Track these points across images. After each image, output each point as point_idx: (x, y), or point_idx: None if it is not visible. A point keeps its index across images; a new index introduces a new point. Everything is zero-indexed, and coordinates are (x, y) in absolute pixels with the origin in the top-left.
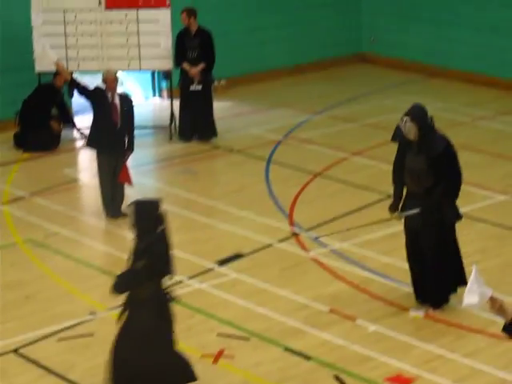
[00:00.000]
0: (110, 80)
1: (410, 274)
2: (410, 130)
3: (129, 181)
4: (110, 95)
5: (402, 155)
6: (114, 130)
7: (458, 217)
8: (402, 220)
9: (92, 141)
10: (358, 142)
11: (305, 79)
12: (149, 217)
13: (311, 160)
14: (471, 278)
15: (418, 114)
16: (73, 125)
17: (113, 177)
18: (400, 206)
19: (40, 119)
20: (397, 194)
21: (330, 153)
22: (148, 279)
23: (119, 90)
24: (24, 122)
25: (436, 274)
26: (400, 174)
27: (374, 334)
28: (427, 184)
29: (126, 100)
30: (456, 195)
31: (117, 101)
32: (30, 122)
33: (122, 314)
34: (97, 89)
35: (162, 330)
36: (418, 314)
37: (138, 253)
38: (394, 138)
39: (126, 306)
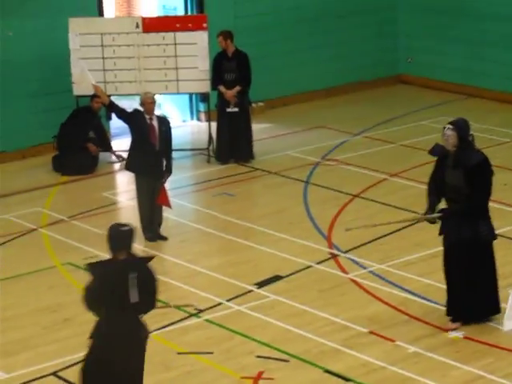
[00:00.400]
0: (148, 103)
1: (447, 290)
2: (451, 139)
3: (167, 203)
4: (148, 118)
5: (439, 170)
6: (153, 153)
7: (493, 236)
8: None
9: (131, 164)
10: (396, 163)
11: (342, 101)
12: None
13: (349, 181)
14: (510, 303)
15: (461, 124)
16: (109, 148)
17: (151, 199)
18: (441, 228)
19: (78, 142)
20: (430, 204)
21: (367, 174)
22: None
23: (157, 112)
24: (62, 145)
25: (465, 289)
26: (434, 187)
27: (414, 354)
28: (465, 199)
29: (163, 122)
30: (478, 211)
31: (155, 123)
32: (68, 145)
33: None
34: (135, 111)
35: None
36: (457, 334)
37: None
38: (431, 152)
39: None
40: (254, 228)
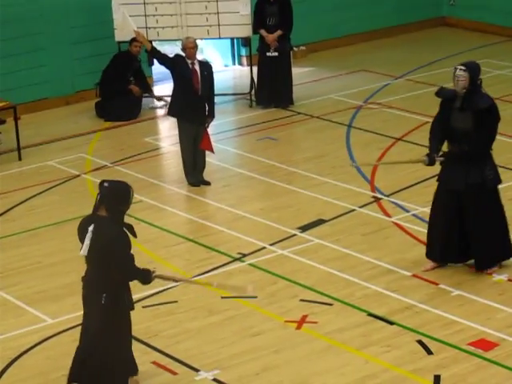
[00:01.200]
0: (190, 47)
1: (432, 231)
2: (461, 80)
3: (210, 148)
4: (190, 62)
5: (444, 113)
6: (196, 97)
7: (499, 180)
8: (440, 182)
9: (174, 109)
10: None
11: (383, 44)
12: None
13: (392, 125)
14: None
15: (473, 66)
16: (150, 91)
17: (194, 144)
18: (440, 172)
19: (119, 86)
20: (433, 147)
21: (410, 117)
22: None
23: (199, 57)
24: (104, 91)
25: (481, 236)
26: (438, 129)
27: (457, 298)
28: (470, 143)
29: (206, 66)
30: (482, 156)
31: (197, 67)
32: (110, 91)
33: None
34: (177, 56)
35: None
36: (501, 277)
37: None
38: (438, 94)
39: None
40: (297, 172)
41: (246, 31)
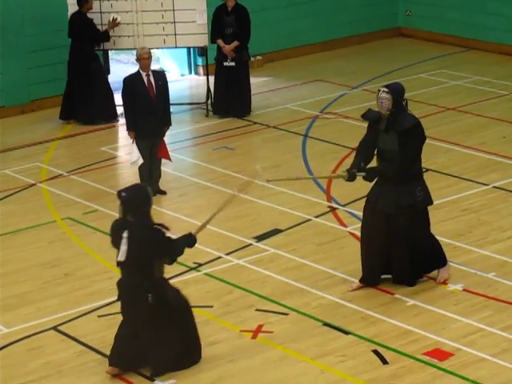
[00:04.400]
0: (144, 58)
1: (366, 254)
2: (385, 102)
3: (167, 156)
4: (144, 75)
5: (370, 135)
6: (152, 111)
7: (429, 201)
8: (368, 201)
9: (131, 125)
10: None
11: (340, 54)
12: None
13: (348, 135)
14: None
15: (396, 88)
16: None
17: (150, 154)
18: (369, 192)
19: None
20: (354, 163)
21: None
22: None
23: (155, 66)
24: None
25: (410, 256)
26: (364, 148)
27: (413, 307)
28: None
29: (159, 76)
30: (405, 174)
31: (151, 79)
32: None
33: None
34: (127, 85)
35: None
36: (456, 287)
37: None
38: (363, 116)
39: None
40: (253, 181)
41: (203, 41)
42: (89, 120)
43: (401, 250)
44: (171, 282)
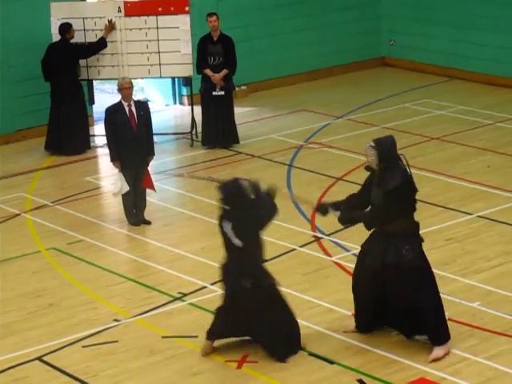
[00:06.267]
0: (126, 88)
1: (357, 306)
2: (371, 158)
3: (152, 186)
4: (126, 105)
5: (365, 186)
6: (134, 141)
7: (421, 261)
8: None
9: (115, 156)
10: None
11: (325, 84)
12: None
13: (332, 164)
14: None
15: (383, 143)
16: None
17: (135, 184)
18: (363, 243)
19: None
20: (335, 202)
21: (351, 157)
22: None
23: (139, 96)
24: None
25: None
26: (357, 196)
27: (398, 337)
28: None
29: (142, 106)
30: (372, 225)
31: (133, 109)
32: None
33: None
34: (109, 115)
35: None
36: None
37: None
38: (366, 168)
39: None
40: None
41: (187, 71)
42: (74, 150)
43: (393, 310)
44: (155, 312)
